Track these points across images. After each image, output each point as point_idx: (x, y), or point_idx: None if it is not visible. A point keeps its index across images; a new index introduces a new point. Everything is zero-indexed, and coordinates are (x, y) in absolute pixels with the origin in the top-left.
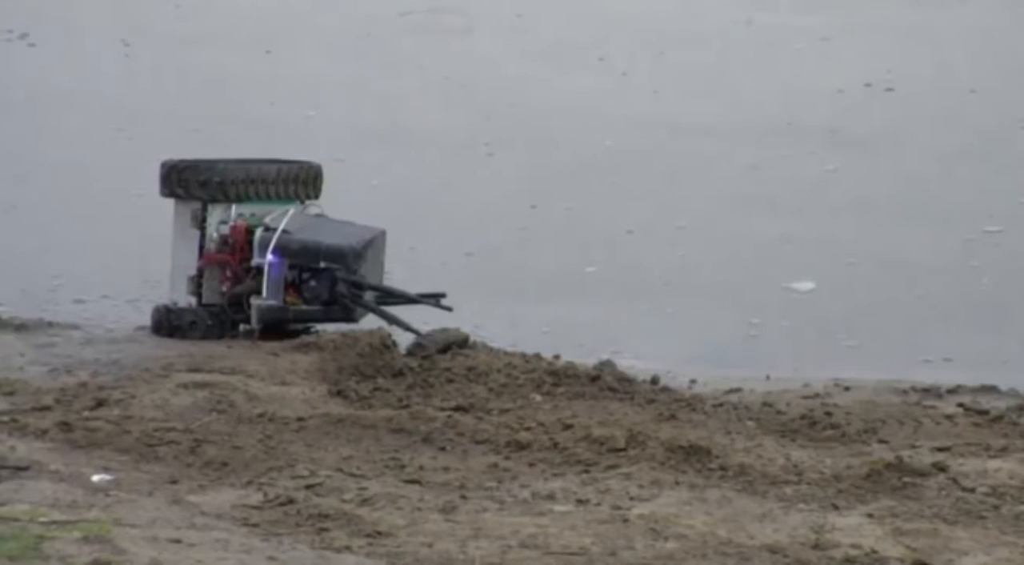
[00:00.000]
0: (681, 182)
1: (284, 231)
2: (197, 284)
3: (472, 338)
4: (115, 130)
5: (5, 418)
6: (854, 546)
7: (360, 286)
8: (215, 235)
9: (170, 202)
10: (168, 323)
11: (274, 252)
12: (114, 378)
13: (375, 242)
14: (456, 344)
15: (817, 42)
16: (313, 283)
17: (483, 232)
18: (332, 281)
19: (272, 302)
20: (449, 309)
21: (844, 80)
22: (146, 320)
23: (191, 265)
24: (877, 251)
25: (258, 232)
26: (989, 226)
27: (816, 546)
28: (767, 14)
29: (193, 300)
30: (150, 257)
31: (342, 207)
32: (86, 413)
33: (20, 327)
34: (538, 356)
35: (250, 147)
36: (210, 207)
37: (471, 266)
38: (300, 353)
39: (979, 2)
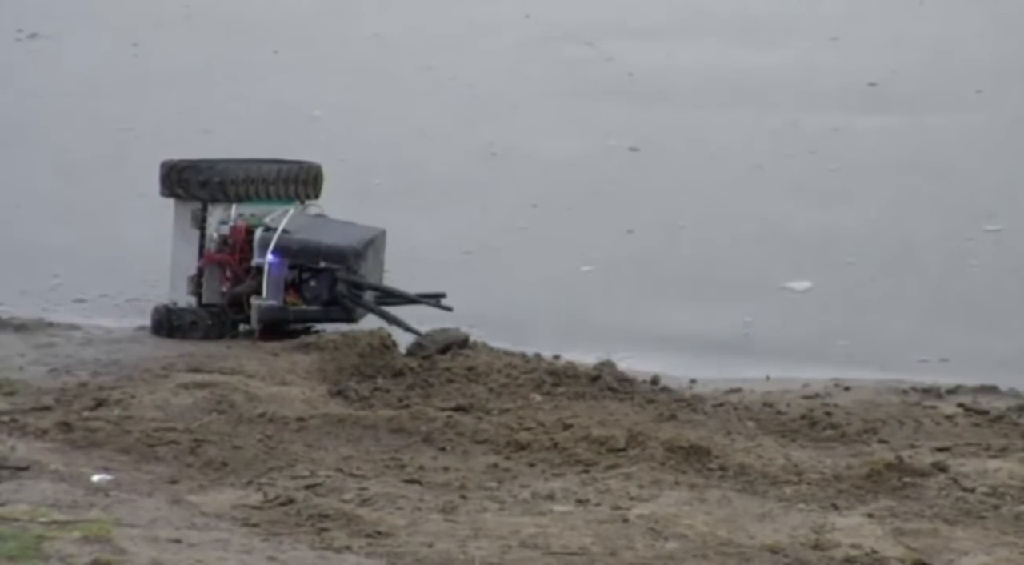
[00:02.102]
0: (683, 181)
1: (284, 231)
2: (197, 284)
3: (472, 338)
4: (122, 129)
5: (5, 418)
6: (854, 546)
7: (360, 286)
8: (215, 235)
9: (172, 202)
10: (168, 323)
11: (274, 252)
12: (114, 378)
13: (375, 242)
14: (456, 344)
15: (825, 41)
16: (313, 283)
17: (483, 232)
18: (332, 281)
19: (272, 302)
20: (449, 309)
21: (849, 79)
22: (147, 320)
23: (191, 265)
24: (876, 250)
25: (258, 232)
26: (989, 225)
27: (816, 546)
28: (773, 14)
29: (193, 300)
30: (151, 257)
31: (345, 207)
32: (86, 413)
33: (20, 327)
34: (538, 356)
35: (256, 146)
36: (210, 207)
37: (471, 266)
38: (300, 353)
39: (989, 1)
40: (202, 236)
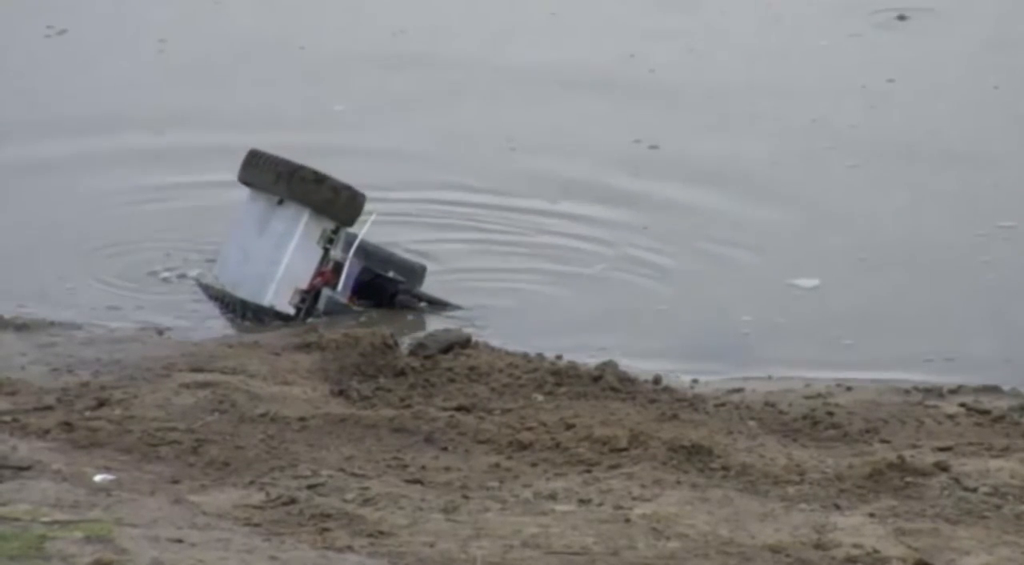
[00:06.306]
0: (698, 178)
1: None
2: (302, 299)
3: (474, 338)
4: (148, 125)
5: (7, 418)
6: (856, 546)
7: (419, 298)
8: (330, 261)
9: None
10: (254, 318)
11: (356, 253)
12: (116, 378)
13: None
14: (458, 344)
15: (844, 38)
16: (376, 288)
17: (497, 229)
18: (394, 291)
19: (341, 298)
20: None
21: (867, 76)
22: (149, 320)
23: (304, 279)
24: (887, 248)
25: (342, 231)
26: (1003, 221)
27: (818, 546)
28: (794, 10)
29: (292, 312)
30: (153, 256)
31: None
32: (88, 413)
33: (21, 327)
34: (540, 356)
35: (275, 142)
36: (342, 231)
37: (482, 262)
38: (302, 353)
39: None
40: (325, 256)
